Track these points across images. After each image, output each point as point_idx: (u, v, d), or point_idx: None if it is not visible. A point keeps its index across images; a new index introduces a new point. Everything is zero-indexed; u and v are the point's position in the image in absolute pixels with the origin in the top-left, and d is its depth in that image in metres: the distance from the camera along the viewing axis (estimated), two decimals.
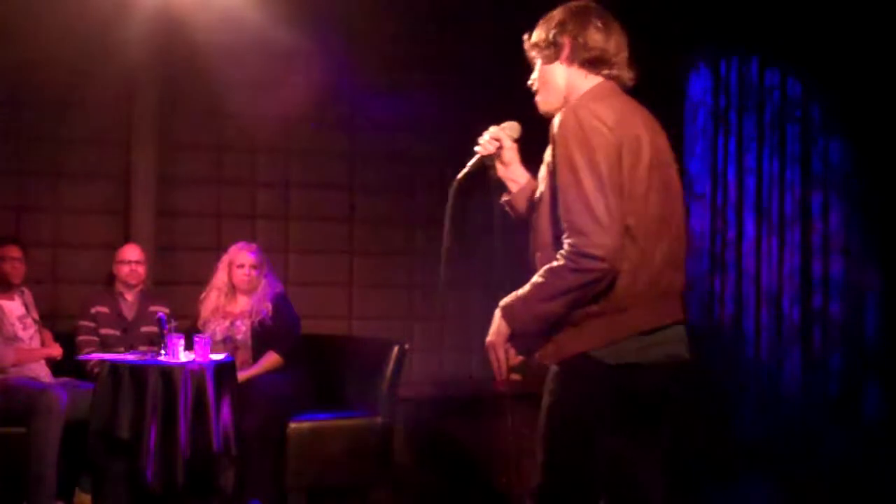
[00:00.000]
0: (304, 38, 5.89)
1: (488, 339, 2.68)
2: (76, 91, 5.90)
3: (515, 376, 2.72)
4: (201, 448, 4.61)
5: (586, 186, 2.50)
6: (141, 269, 5.50)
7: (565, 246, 2.53)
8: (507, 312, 2.63)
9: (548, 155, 2.68)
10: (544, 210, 2.69)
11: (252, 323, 5.35)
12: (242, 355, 5.31)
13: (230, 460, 4.81)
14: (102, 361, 4.82)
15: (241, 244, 5.52)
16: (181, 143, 6.23)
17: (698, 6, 5.99)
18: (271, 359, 5.32)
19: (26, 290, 5.32)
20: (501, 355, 2.66)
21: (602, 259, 2.48)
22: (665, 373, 2.68)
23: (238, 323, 5.38)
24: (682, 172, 6.34)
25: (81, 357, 5.21)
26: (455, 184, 2.87)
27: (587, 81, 2.75)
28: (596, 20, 2.76)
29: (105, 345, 5.29)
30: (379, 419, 5.30)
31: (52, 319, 5.68)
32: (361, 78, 6.33)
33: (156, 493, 4.54)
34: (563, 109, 2.64)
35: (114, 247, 5.68)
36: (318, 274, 6.46)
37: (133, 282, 5.47)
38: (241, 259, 5.44)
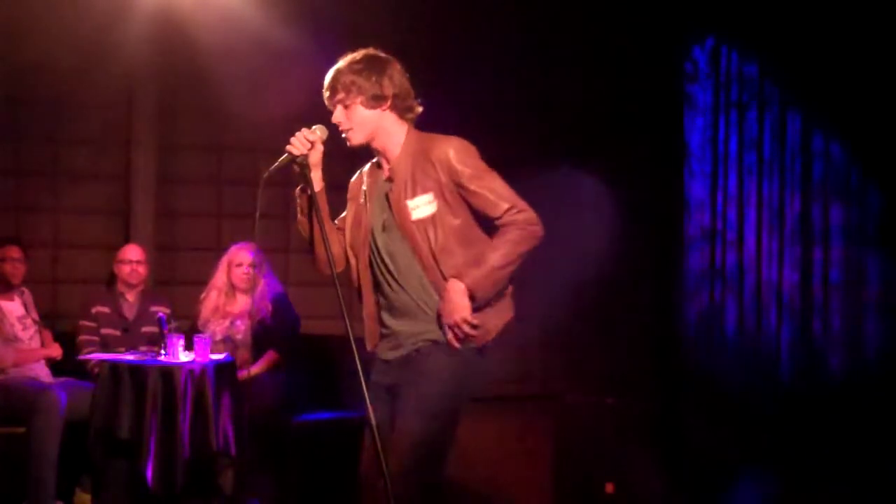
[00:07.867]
0: (304, 38, 5.88)
1: (456, 315, 2.96)
2: (76, 91, 5.91)
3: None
4: (201, 448, 4.62)
5: (501, 182, 3.04)
6: (142, 269, 5.51)
7: (510, 219, 2.98)
8: (474, 285, 2.96)
9: (438, 180, 3.08)
10: (441, 225, 3.05)
11: (252, 323, 5.36)
12: (242, 355, 5.31)
13: (230, 460, 4.82)
14: (102, 361, 4.82)
15: (239, 244, 5.55)
16: (181, 143, 6.23)
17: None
18: (271, 358, 5.33)
19: (26, 291, 5.33)
20: (476, 322, 2.96)
21: (541, 225, 3.01)
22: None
23: (238, 323, 5.39)
24: (681, 175, 6.36)
25: (82, 357, 5.21)
26: (264, 178, 3.19)
27: (399, 127, 3.21)
28: (400, 69, 3.20)
29: (106, 345, 5.30)
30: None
31: (52, 319, 5.68)
32: None
33: (156, 493, 4.55)
34: (443, 143, 3.13)
35: (114, 247, 5.68)
36: (317, 274, 6.44)
37: (134, 282, 5.47)
38: (239, 258, 5.46)
